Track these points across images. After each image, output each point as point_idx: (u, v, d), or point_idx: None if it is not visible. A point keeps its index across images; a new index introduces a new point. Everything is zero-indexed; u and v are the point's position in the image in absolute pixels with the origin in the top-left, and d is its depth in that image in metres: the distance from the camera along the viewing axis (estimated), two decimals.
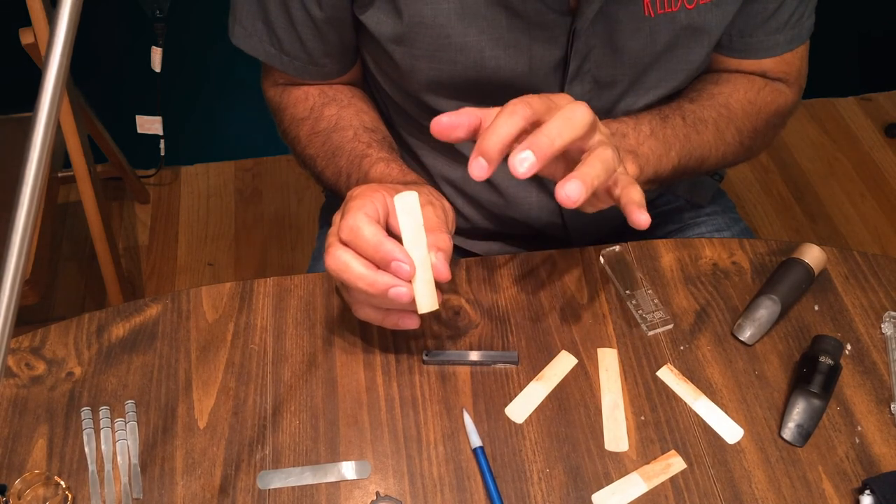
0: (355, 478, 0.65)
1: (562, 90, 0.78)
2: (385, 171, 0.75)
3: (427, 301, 0.62)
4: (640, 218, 0.63)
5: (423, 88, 0.80)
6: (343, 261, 0.62)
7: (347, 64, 0.85)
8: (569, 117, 0.59)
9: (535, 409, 0.69)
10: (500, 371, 0.71)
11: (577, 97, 0.79)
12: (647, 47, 0.77)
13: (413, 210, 0.62)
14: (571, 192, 0.58)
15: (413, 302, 0.62)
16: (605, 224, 0.92)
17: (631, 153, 0.75)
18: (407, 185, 0.72)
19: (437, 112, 0.83)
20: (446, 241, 0.64)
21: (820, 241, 0.78)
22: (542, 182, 0.87)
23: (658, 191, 0.99)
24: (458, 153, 0.87)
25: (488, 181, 0.88)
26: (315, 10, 0.76)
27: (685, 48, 0.78)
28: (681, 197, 1.00)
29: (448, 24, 0.73)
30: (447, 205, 0.71)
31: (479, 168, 0.59)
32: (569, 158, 0.64)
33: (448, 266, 0.63)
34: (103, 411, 0.68)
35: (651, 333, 0.74)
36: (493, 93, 0.79)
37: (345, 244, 0.62)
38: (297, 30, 0.79)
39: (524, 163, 0.57)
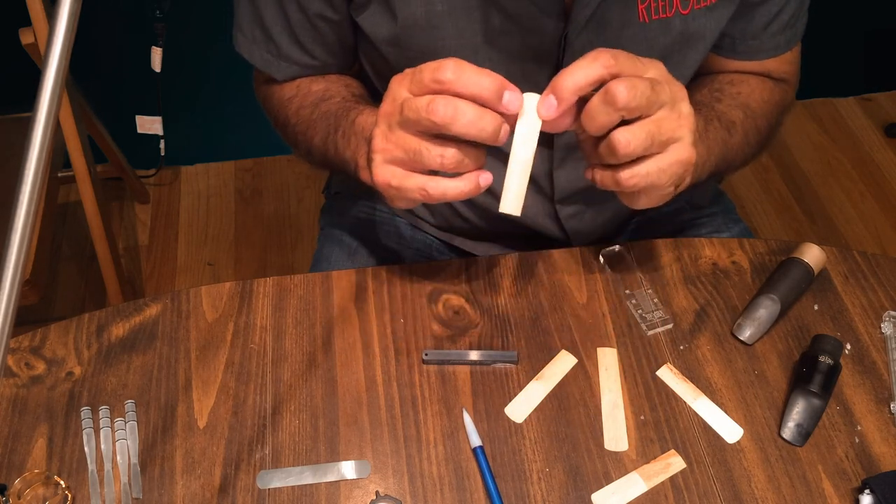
0: (355, 477, 0.65)
1: None
2: (373, 119, 0.71)
3: (513, 204, 0.60)
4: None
5: None
6: (455, 106, 0.57)
7: (346, 67, 0.85)
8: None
9: (535, 409, 0.69)
10: (500, 370, 0.71)
11: None
12: (642, 54, 0.76)
13: (530, 112, 0.60)
14: (543, 110, 0.59)
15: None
16: (602, 226, 0.92)
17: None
18: None
19: None
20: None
21: (820, 241, 0.78)
22: (538, 184, 0.87)
23: None
24: None
25: None
26: (311, 11, 0.76)
27: (680, 55, 0.78)
28: (681, 198, 1.00)
29: (441, 26, 0.73)
30: None
31: (547, 106, 0.59)
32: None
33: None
34: (103, 411, 0.68)
35: (651, 333, 0.74)
36: None
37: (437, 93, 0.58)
38: (294, 32, 0.79)
39: (551, 109, 0.59)
